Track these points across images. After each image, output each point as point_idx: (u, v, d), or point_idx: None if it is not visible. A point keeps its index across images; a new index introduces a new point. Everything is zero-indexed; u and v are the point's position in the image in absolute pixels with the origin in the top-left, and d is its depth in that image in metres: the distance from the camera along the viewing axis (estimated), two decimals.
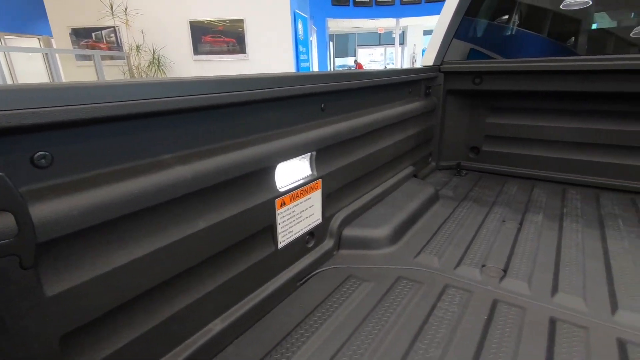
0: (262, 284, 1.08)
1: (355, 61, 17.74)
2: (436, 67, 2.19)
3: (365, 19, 13.69)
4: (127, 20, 6.95)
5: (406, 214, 1.57)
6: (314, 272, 1.25)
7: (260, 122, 1.00)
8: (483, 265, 1.27)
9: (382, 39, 18.58)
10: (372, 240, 1.40)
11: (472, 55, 2.25)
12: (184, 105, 0.76)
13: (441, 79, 2.22)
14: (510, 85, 2.05)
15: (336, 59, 19.02)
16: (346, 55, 19.61)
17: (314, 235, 1.28)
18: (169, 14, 7.11)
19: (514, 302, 1.08)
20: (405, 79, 1.80)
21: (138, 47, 7.11)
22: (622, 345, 0.90)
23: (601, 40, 2.04)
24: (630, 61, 1.70)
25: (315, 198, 1.25)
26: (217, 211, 0.89)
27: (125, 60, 7.27)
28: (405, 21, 14.49)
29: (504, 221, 1.61)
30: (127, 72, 7.17)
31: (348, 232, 1.42)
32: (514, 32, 2.25)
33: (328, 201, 1.33)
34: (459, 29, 2.17)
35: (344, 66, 18.90)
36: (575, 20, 2.05)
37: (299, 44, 8.11)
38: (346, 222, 1.44)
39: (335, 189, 1.35)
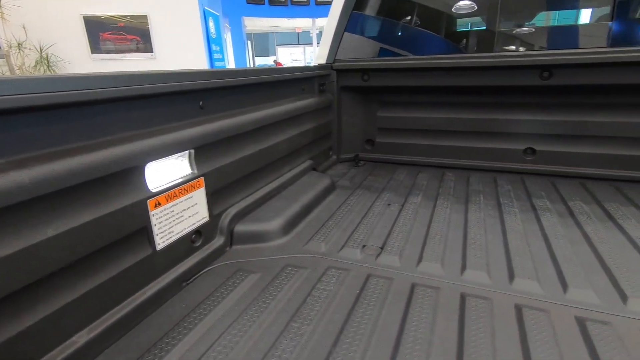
0: (140, 288, 1.05)
1: (275, 60, 17.74)
2: (329, 65, 2.31)
3: (283, 19, 13.75)
4: (1, 13, 6.04)
5: (300, 205, 1.64)
6: (203, 271, 1.25)
7: (120, 122, 0.97)
8: (364, 246, 1.39)
9: (300, 39, 18.84)
10: (264, 233, 1.44)
11: (382, 52, 2.40)
12: (14, 105, 0.71)
13: (334, 76, 2.35)
14: (393, 82, 2.26)
15: (257, 58, 18.81)
16: (267, 54, 19.51)
17: (201, 233, 1.28)
18: (56, 8, 6.35)
19: (384, 275, 1.20)
20: (295, 76, 1.87)
21: (19, 45, 6.24)
22: (463, 298, 1.07)
23: (470, 40, 2.35)
24: (487, 59, 1.99)
25: (198, 196, 1.24)
26: (71, 217, 0.84)
27: (5, 59, 6.31)
28: (321, 21, 14.88)
29: (389, 204, 1.78)
30: (8, 73, 6.24)
31: (240, 227, 1.44)
32: (400, 28, 2.47)
33: (215, 199, 1.34)
34: (353, 26, 2.31)
35: (264, 65, 18.78)
36: (451, 18, 2.33)
37: (212, 43, 7.86)
38: (238, 217, 1.46)
39: (222, 186, 1.36)
